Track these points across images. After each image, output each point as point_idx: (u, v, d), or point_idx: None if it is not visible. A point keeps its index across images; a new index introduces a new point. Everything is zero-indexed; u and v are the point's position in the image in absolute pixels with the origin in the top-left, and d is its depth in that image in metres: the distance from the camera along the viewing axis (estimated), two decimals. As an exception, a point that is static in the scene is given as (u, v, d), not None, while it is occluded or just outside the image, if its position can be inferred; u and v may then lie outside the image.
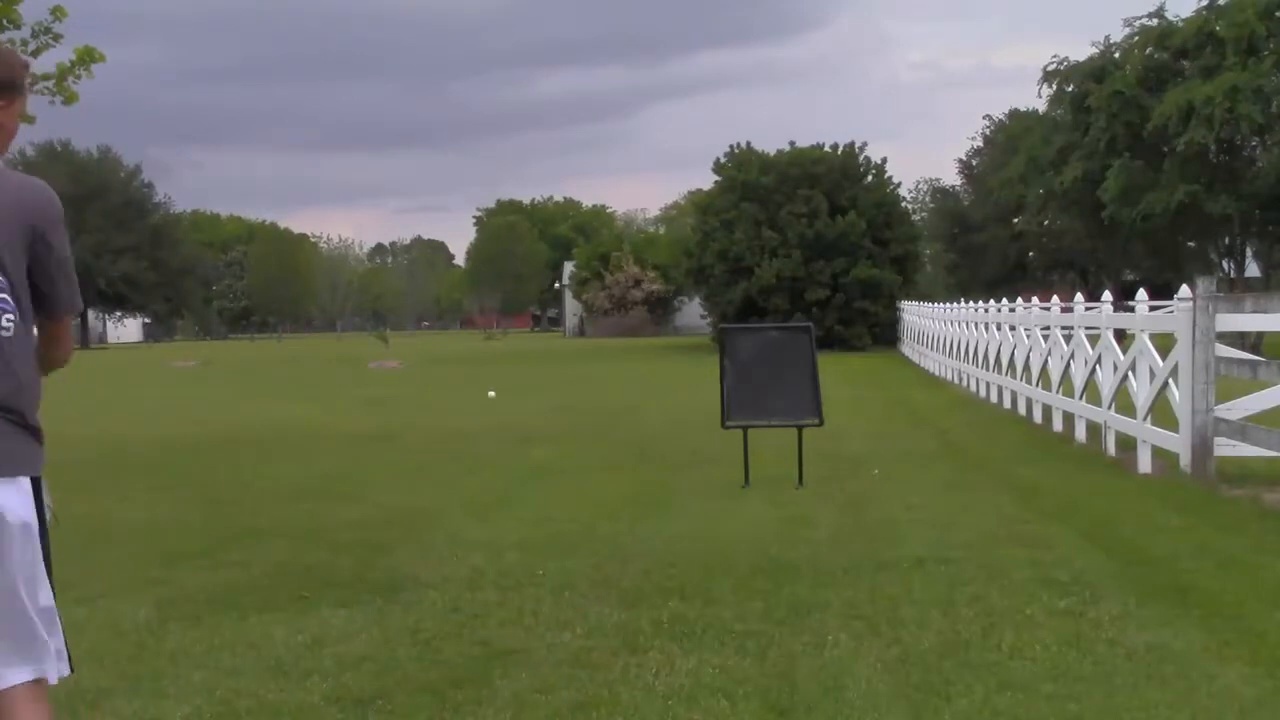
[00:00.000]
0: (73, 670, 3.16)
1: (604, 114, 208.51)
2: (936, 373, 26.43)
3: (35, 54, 13.47)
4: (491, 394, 15.05)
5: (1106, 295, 13.85)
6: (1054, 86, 42.24)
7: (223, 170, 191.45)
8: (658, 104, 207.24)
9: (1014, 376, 17.12)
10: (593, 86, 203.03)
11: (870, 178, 46.09)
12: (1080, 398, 13.22)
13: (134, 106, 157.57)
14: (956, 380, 23.07)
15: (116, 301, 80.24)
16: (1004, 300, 20.36)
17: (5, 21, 13.16)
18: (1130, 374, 11.53)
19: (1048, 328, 15.37)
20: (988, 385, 19.42)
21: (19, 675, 3.00)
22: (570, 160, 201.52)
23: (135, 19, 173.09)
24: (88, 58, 13.38)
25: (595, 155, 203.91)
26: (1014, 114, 57.97)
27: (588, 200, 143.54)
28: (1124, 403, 11.82)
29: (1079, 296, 15.62)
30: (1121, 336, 12.59)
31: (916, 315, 33.58)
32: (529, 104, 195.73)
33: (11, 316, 2.89)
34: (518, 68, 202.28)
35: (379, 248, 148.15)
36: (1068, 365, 13.91)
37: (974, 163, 63.01)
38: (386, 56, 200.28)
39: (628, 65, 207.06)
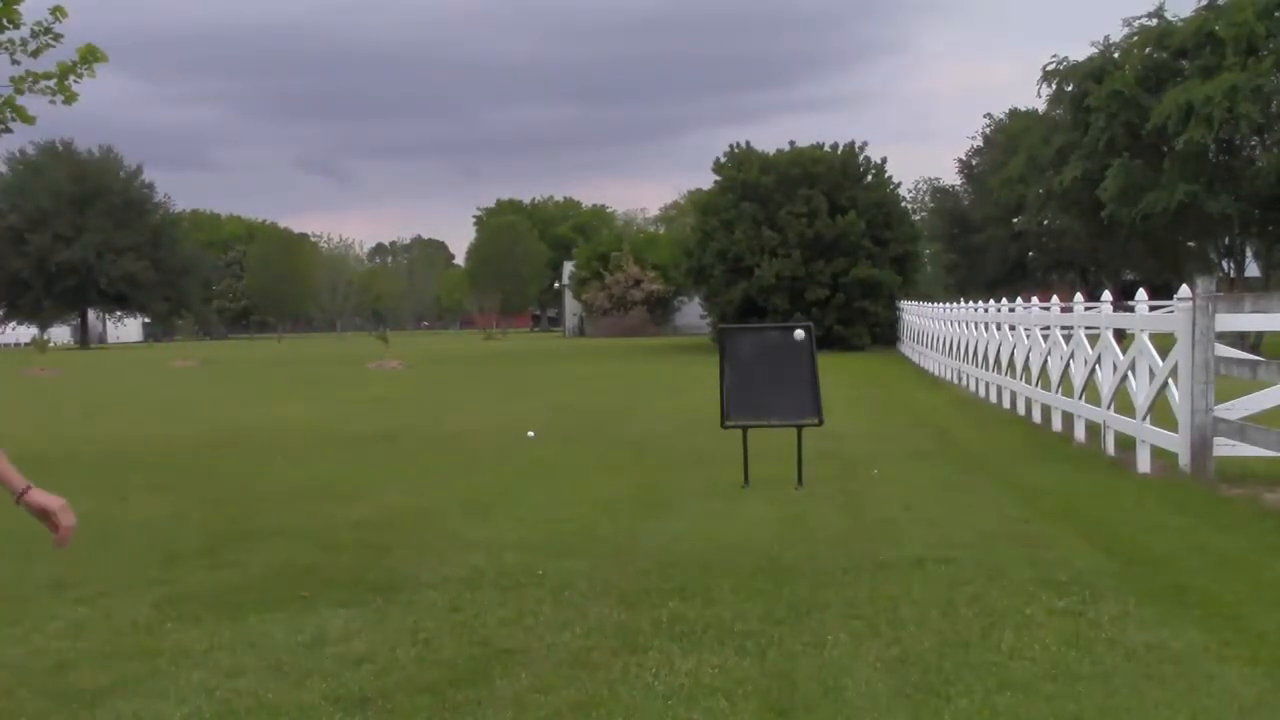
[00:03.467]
0: None
1: (613, 138, 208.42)
2: (936, 372, 26.42)
3: (35, 54, 13.46)
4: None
5: (1106, 295, 13.84)
6: (1054, 86, 42.20)
7: (224, 170, 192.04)
8: (670, 132, 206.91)
9: (1014, 376, 17.12)
10: (606, 116, 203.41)
11: (870, 177, 46.10)
12: (1080, 398, 13.22)
13: (138, 113, 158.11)
14: (956, 380, 23.06)
15: (117, 301, 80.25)
16: (1004, 300, 20.35)
17: (5, 21, 13.15)
18: (1130, 374, 11.53)
19: (1047, 328, 15.37)
20: (987, 385, 19.41)
21: None
22: (573, 162, 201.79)
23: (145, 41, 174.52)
24: (90, 57, 13.33)
25: (598, 156, 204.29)
26: (1014, 114, 58.02)
27: (588, 200, 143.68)
28: (1123, 403, 11.82)
29: (1079, 296, 15.61)
30: (1121, 336, 12.59)
31: (916, 315, 33.58)
32: (536, 122, 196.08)
33: None
34: (528, 102, 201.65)
35: (379, 248, 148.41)
36: (1067, 365, 13.91)
37: (974, 163, 63.08)
38: (407, 91, 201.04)
39: (643, 105, 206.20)
